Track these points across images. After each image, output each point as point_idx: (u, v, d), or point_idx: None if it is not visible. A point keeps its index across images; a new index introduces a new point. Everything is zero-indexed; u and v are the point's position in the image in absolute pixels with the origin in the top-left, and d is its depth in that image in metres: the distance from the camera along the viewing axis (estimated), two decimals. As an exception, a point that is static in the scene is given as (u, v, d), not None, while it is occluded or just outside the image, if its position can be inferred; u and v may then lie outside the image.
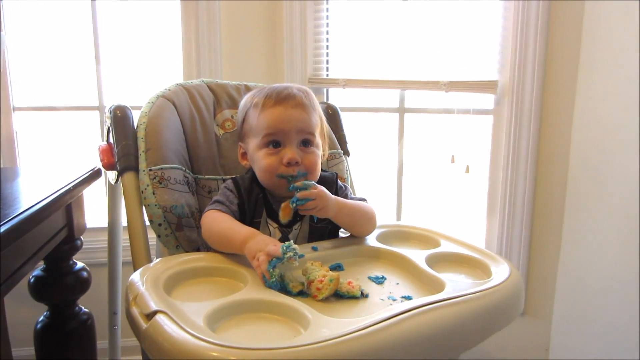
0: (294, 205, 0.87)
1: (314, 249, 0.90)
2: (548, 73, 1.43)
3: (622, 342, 1.35)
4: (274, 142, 0.92)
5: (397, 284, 0.82)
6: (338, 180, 1.05)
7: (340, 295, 0.77)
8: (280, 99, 0.92)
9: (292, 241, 0.77)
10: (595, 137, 1.38)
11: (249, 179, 0.98)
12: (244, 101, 1.00)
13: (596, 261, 1.40)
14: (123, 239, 1.31)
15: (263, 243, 0.79)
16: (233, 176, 1.05)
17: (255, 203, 0.96)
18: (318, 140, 0.96)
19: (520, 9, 1.40)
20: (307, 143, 0.94)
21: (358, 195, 1.10)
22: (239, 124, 1.01)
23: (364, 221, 0.98)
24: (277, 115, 0.92)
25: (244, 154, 1.01)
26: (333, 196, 0.93)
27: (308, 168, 0.93)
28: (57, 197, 0.94)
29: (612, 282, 1.37)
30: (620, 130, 1.32)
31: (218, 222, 0.89)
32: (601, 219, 1.38)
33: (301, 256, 0.77)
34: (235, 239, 0.83)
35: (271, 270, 0.75)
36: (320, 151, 0.97)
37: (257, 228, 0.93)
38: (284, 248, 0.76)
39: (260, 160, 0.93)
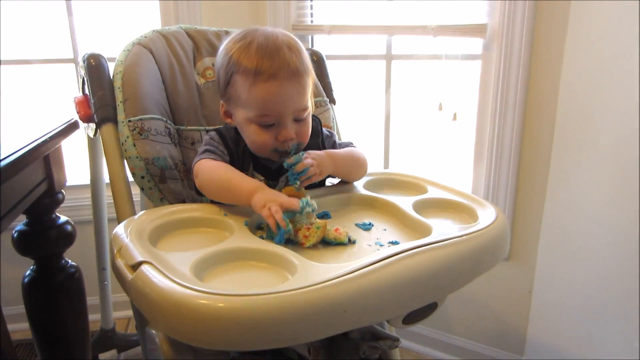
0: (296, 182, 0.84)
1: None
2: (538, 16, 1.39)
3: (602, 287, 1.39)
4: (268, 123, 0.86)
5: (385, 230, 0.82)
6: (323, 128, 1.02)
7: (327, 242, 0.77)
8: (273, 70, 0.82)
9: (309, 197, 0.78)
10: (584, 83, 1.36)
11: (234, 131, 0.94)
12: (227, 54, 0.87)
13: (580, 208, 1.42)
14: (108, 195, 1.29)
15: (275, 194, 0.78)
16: (216, 127, 1.02)
17: (242, 155, 0.93)
18: (310, 102, 0.90)
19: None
20: (300, 117, 0.89)
21: (344, 140, 1.08)
22: (221, 83, 0.90)
23: (357, 168, 0.98)
24: (272, 94, 0.83)
25: (228, 113, 0.94)
26: (324, 153, 0.91)
27: (301, 138, 0.89)
28: (33, 148, 0.91)
29: (596, 228, 1.39)
30: (609, 75, 1.31)
31: (220, 171, 0.86)
32: (587, 166, 1.39)
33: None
34: (242, 189, 0.81)
35: (287, 220, 0.74)
36: (311, 110, 0.92)
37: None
38: (304, 203, 0.77)
39: (252, 136, 0.88)
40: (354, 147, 1.02)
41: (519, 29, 1.40)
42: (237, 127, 0.93)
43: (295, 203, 0.77)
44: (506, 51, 1.42)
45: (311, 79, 0.90)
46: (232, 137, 0.93)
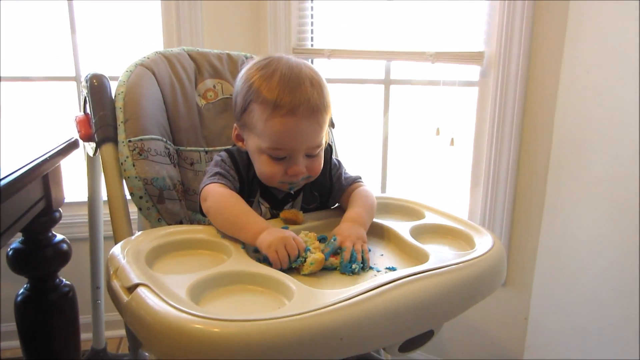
0: (351, 270, 0.77)
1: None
2: (534, 45, 1.42)
3: (598, 313, 1.39)
4: (280, 156, 0.85)
5: (382, 255, 0.82)
6: (332, 156, 1.00)
7: (324, 267, 0.76)
8: (293, 104, 0.80)
9: (310, 246, 0.77)
10: (579, 111, 1.38)
11: (247, 155, 0.93)
12: (247, 78, 0.85)
13: (576, 233, 1.42)
14: (104, 213, 1.29)
15: (281, 234, 0.77)
16: (221, 148, 1.02)
17: (251, 182, 0.93)
18: (324, 139, 0.89)
19: (508, -22, 1.38)
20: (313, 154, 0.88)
21: (348, 171, 1.05)
22: (238, 108, 0.88)
23: (372, 213, 0.93)
24: (288, 130, 0.82)
25: (240, 136, 0.92)
26: (353, 215, 0.88)
27: (311, 172, 0.89)
28: (32, 167, 0.91)
29: (591, 254, 1.39)
30: (604, 104, 1.33)
31: (230, 203, 0.83)
32: (582, 192, 1.40)
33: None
34: (249, 228, 0.79)
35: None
36: (325, 142, 0.91)
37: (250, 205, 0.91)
38: (300, 255, 0.76)
39: (262, 166, 0.87)
40: (361, 183, 0.99)
41: (516, 57, 1.42)
42: (249, 155, 0.92)
43: (300, 245, 0.76)
44: (503, 79, 1.45)
45: (329, 115, 0.88)
46: (244, 162, 0.93)
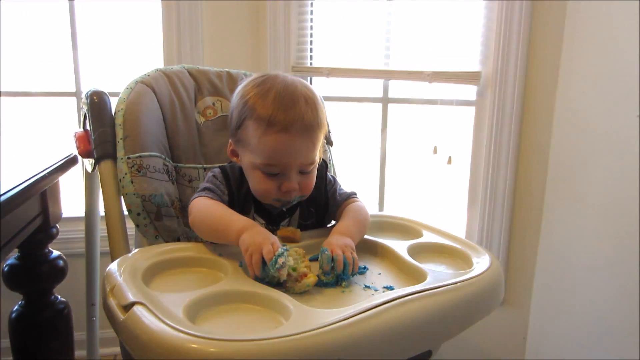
0: (345, 283, 0.77)
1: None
2: (530, 65, 1.44)
3: (597, 331, 1.38)
4: (274, 172, 0.86)
5: (379, 274, 0.82)
6: (327, 172, 1.01)
7: (323, 284, 0.76)
8: (287, 122, 0.81)
9: (285, 251, 0.74)
10: (575, 130, 1.39)
11: (240, 171, 0.94)
12: (243, 95, 0.87)
13: (574, 252, 1.42)
14: (101, 229, 1.29)
15: (260, 237, 0.76)
16: (218, 165, 1.02)
17: (245, 198, 0.93)
18: (317, 157, 0.90)
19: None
20: (306, 171, 0.89)
21: (345, 188, 1.06)
22: (233, 124, 0.90)
23: (364, 229, 0.93)
24: (282, 146, 0.83)
25: (234, 152, 0.94)
26: (341, 228, 0.88)
27: (304, 191, 0.89)
28: (31, 184, 0.91)
29: (589, 272, 1.39)
30: (599, 122, 1.34)
31: (212, 209, 0.85)
32: (579, 211, 1.40)
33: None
34: (231, 228, 0.79)
35: (264, 273, 0.73)
36: (318, 159, 0.92)
37: None
38: (273, 263, 0.72)
39: (256, 182, 0.88)
40: (356, 199, 0.99)
41: (512, 77, 1.44)
42: (243, 170, 0.93)
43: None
44: (499, 98, 1.46)
45: (323, 133, 0.89)
46: (236, 178, 0.94)
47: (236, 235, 0.78)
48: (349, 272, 0.77)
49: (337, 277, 0.78)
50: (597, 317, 1.38)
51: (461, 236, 0.95)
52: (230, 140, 0.94)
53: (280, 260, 0.72)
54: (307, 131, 0.84)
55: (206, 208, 0.86)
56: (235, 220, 0.82)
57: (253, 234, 0.77)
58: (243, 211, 0.92)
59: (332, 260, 0.77)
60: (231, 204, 0.91)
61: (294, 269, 0.75)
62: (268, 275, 0.73)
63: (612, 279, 1.33)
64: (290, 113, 0.82)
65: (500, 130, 1.47)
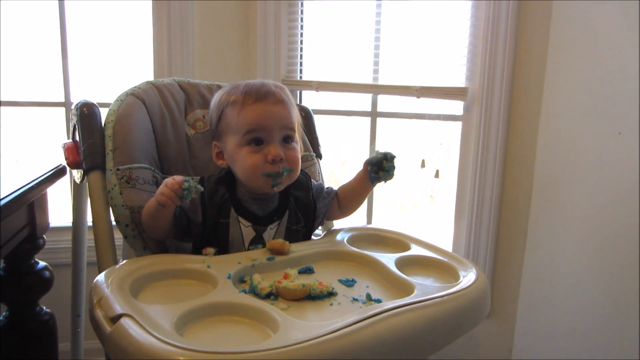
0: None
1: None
2: (516, 81, 1.47)
3: (582, 344, 1.40)
4: (256, 140, 0.91)
5: (367, 286, 0.83)
6: (311, 179, 1.05)
7: (311, 297, 0.77)
8: (260, 95, 0.91)
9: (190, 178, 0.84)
10: (560, 144, 1.42)
11: (215, 181, 0.97)
12: (218, 99, 0.97)
13: (559, 265, 1.45)
14: (88, 239, 1.28)
15: (164, 182, 0.85)
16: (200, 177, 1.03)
17: (220, 205, 0.94)
18: (297, 136, 0.96)
19: (491, 15, 1.43)
20: (288, 139, 0.94)
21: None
22: (213, 123, 0.98)
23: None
24: (259, 112, 0.90)
25: (220, 154, 0.98)
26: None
27: (291, 164, 0.93)
28: (19, 195, 0.90)
29: (574, 285, 1.41)
30: (584, 137, 1.37)
31: (146, 207, 0.91)
32: (564, 223, 1.43)
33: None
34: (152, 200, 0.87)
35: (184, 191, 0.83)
36: (300, 146, 0.98)
37: (226, 229, 0.92)
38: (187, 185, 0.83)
39: (244, 160, 0.92)
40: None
41: (498, 93, 1.47)
42: (229, 164, 0.96)
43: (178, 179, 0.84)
44: (486, 114, 1.49)
45: (296, 114, 0.96)
46: (210, 189, 0.95)
47: (155, 197, 0.86)
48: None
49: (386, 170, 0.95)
50: (583, 329, 1.39)
51: (448, 249, 0.96)
52: (213, 143, 1.00)
53: (186, 184, 0.82)
54: (281, 102, 0.92)
55: (146, 205, 0.92)
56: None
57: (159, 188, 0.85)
58: (221, 217, 0.93)
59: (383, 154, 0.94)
60: (205, 216, 0.93)
61: (256, 285, 0.77)
62: (184, 197, 0.83)
63: (598, 291, 1.35)
64: (261, 90, 0.92)
65: (486, 144, 1.50)
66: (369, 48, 1.64)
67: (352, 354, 0.61)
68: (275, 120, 0.91)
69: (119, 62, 1.75)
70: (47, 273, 1.14)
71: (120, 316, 0.64)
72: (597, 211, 1.35)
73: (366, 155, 1.67)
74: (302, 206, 1.00)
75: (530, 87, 1.45)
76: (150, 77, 1.69)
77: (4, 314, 1.13)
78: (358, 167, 1.03)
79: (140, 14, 1.69)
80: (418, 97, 1.55)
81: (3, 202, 0.83)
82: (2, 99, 1.72)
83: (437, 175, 1.58)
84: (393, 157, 0.96)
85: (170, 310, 0.67)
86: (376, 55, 1.64)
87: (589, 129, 1.36)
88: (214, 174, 1.00)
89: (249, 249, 0.93)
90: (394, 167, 0.96)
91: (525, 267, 1.52)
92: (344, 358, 0.61)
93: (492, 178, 1.51)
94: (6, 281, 1.09)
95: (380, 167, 0.96)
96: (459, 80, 1.54)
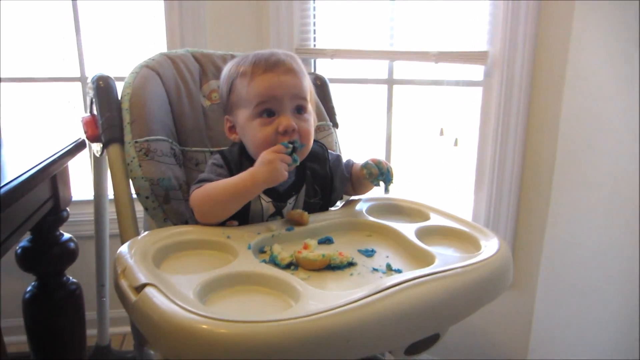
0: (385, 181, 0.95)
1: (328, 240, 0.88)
2: (539, 44, 1.41)
3: (603, 316, 1.39)
4: (268, 111, 0.89)
5: (387, 257, 0.83)
6: (328, 150, 1.03)
7: (331, 267, 0.77)
8: (269, 65, 0.88)
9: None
10: (585, 111, 1.38)
11: (237, 153, 0.95)
12: (228, 71, 0.95)
13: (581, 235, 1.42)
14: (110, 212, 1.30)
15: (267, 158, 0.83)
16: (220, 149, 1.03)
17: None
18: (310, 106, 0.94)
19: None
20: (300, 110, 0.91)
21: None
22: (224, 96, 0.96)
23: None
24: (269, 82, 0.88)
25: (232, 128, 0.97)
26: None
27: (304, 137, 0.90)
28: (42, 168, 0.92)
29: (597, 257, 1.40)
30: (610, 102, 1.33)
31: (214, 187, 0.86)
32: (588, 193, 1.40)
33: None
34: (242, 184, 0.84)
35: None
36: (313, 118, 0.95)
37: (247, 204, 0.92)
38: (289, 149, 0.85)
39: (255, 133, 0.89)
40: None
41: (520, 57, 1.42)
42: (241, 138, 0.95)
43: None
44: (507, 78, 1.44)
45: (307, 83, 0.93)
46: (235, 160, 0.94)
47: (252, 179, 0.83)
48: (391, 175, 0.94)
49: (384, 179, 0.94)
50: (604, 301, 1.38)
51: (468, 219, 0.95)
52: (225, 117, 0.98)
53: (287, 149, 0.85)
54: (291, 72, 0.89)
55: (209, 191, 0.87)
56: (239, 177, 0.85)
57: (260, 164, 0.84)
58: None
59: (376, 165, 0.94)
60: None
61: (276, 255, 0.77)
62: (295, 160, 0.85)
63: (620, 262, 1.33)
64: (270, 60, 0.89)
65: (508, 111, 1.46)
66: (385, 13, 1.60)
67: (374, 323, 0.61)
68: (286, 89, 0.88)
69: (131, 35, 1.74)
70: (72, 244, 1.17)
71: (144, 285, 0.65)
72: (621, 181, 1.32)
73: (383, 124, 1.66)
74: (319, 178, 0.99)
75: (554, 49, 1.39)
76: (163, 49, 1.68)
77: (32, 284, 1.17)
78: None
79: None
80: (436, 63, 1.51)
81: (27, 175, 0.85)
82: (20, 76, 1.74)
83: (456, 143, 1.56)
84: (384, 173, 0.95)
85: (192, 280, 0.68)
86: (391, 20, 1.59)
87: (617, 93, 1.31)
88: (234, 146, 0.98)
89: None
90: (390, 179, 0.95)
91: (546, 237, 1.51)
92: (365, 327, 0.61)
93: (514, 146, 1.47)
94: (33, 252, 1.12)
95: (377, 177, 0.95)
96: (479, 44, 1.49)
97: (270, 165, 0.83)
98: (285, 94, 0.88)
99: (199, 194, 0.88)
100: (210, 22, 1.66)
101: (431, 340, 0.71)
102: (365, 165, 0.96)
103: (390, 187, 0.96)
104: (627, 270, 1.31)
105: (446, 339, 0.79)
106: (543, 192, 1.48)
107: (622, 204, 1.32)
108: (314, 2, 1.66)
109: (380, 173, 0.94)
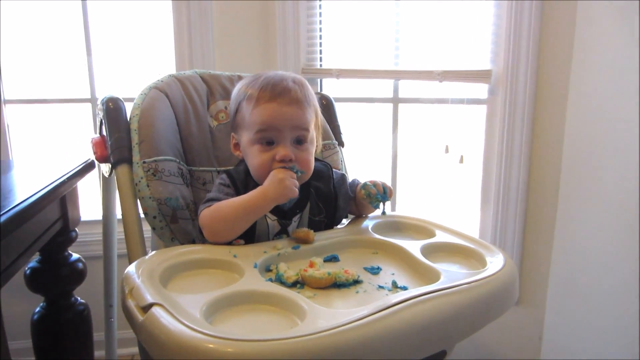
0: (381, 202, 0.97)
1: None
2: (541, 62, 1.43)
3: (614, 331, 1.37)
4: (267, 140, 0.91)
5: (393, 274, 0.83)
6: (333, 169, 1.04)
7: (337, 285, 0.77)
8: (275, 94, 0.89)
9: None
10: (589, 126, 1.38)
11: (244, 172, 0.97)
12: (238, 90, 0.97)
13: (589, 250, 1.41)
14: (118, 232, 1.31)
15: (276, 177, 0.87)
16: (227, 168, 1.04)
17: None
18: (312, 134, 0.95)
19: (515, -2, 1.40)
20: (300, 141, 0.92)
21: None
22: (232, 114, 0.98)
23: None
24: (271, 112, 0.89)
25: (237, 145, 0.99)
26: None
27: (302, 166, 0.92)
28: (51, 189, 0.93)
29: (605, 271, 1.38)
30: (613, 119, 1.33)
31: (225, 206, 0.88)
32: (594, 208, 1.39)
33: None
34: (253, 201, 0.86)
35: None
36: (314, 146, 0.96)
37: (254, 223, 0.93)
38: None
39: (254, 157, 0.92)
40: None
41: (523, 75, 1.43)
42: (243, 157, 0.97)
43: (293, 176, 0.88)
44: (511, 96, 1.46)
45: (314, 112, 0.95)
46: (241, 179, 0.96)
47: (264, 199, 0.86)
48: (389, 195, 0.96)
49: (381, 200, 0.96)
50: (615, 315, 1.36)
51: (474, 236, 0.95)
52: (232, 134, 1.00)
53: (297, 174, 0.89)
54: (294, 102, 0.90)
55: (219, 210, 0.88)
56: (250, 194, 0.88)
57: (269, 183, 0.86)
58: None
59: (374, 186, 0.95)
60: None
61: (282, 274, 0.77)
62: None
63: (630, 276, 1.32)
64: (277, 88, 0.90)
65: (512, 128, 1.47)
66: (389, 33, 1.62)
67: (380, 341, 0.61)
68: (287, 121, 0.90)
69: (141, 57, 1.77)
70: (80, 265, 1.18)
71: (151, 305, 0.66)
72: (627, 195, 1.31)
73: (389, 143, 1.67)
74: (323, 196, 0.99)
75: (557, 67, 1.40)
76: (172, 70, 1.71)
77: (40, 304, 1.17)
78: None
79: (160, 8, 1.70)
80: (440, 81, 1.52)
81: (37, 196, 0.86)
82: (31, 97, 1.77)
83: (461, 160, 1.56)
84: (381, 194, 0.97)
85: (199, 299, 0.68)
86: (396, 40, 1.61)
87: (619, 110, 1.31)
88: (240, 166, 1.00)
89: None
90: (386, 198, 0.98)
91: (554, 252, 1.50)
92: (371, 345, 0.61)
93: (519, 162, 1.48)
94: (42, 273, 1.13)
95: (375, 197, 0.97)
96: (482, 62, 1.51)
97: (281, 183, 0.85)
98: (286, 125, 0.90)
99: (209, 213, 0.89)
100: (217, 44, 1.70)
101: (438, 357, 0.70)
102: (364, 187, 0.97)
103: (386, 205, 0.99)
104: (637, 284, 1.29)
105: (455, 356, 0.79)
106: (549, 208, 1.48)
107: (629, 217, 1.31)
108: (320, 23, 1.69)
109: (377, 193, 0.95)
